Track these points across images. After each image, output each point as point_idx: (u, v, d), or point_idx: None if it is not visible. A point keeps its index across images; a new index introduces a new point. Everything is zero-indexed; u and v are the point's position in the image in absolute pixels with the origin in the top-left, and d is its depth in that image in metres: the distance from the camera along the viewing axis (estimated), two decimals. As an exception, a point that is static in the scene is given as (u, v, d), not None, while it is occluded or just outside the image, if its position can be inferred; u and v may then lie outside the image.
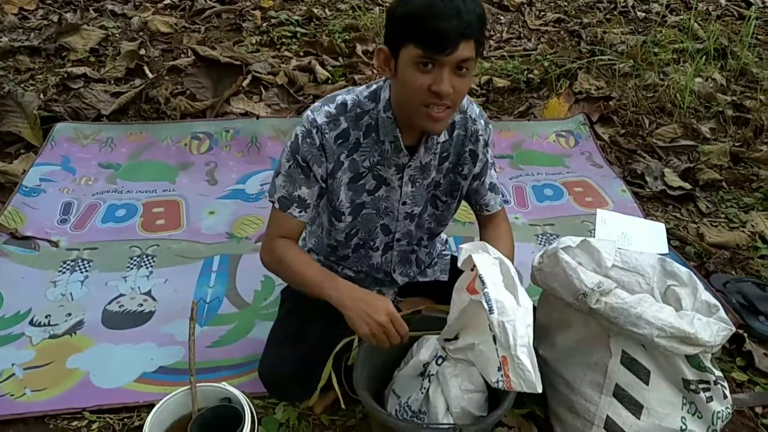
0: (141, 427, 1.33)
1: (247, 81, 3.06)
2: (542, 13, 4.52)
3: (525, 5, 4.60)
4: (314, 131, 1.28)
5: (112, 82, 3.10)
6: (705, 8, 4.64)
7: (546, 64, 3.41)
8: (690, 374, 1.32)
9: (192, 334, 1.36)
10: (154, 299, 1.86)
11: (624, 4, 4.68)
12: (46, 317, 1.77)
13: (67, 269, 1.95)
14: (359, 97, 1.32)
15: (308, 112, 1.31)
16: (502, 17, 4.41)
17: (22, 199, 2.16)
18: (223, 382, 1.37)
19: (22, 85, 2.97)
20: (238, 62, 2.99)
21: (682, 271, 1.46)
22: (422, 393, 1.30)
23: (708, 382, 1.34)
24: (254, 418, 1.29)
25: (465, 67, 1.14)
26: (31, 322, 1.75)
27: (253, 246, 2.08)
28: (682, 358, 1.31)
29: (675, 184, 2.45)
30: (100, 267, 1.97)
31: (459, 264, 1.22)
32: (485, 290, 1.09)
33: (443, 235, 1.77)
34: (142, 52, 3.39)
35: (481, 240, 1.51)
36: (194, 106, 2.77)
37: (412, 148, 1.35)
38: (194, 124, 2.63)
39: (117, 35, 3.66)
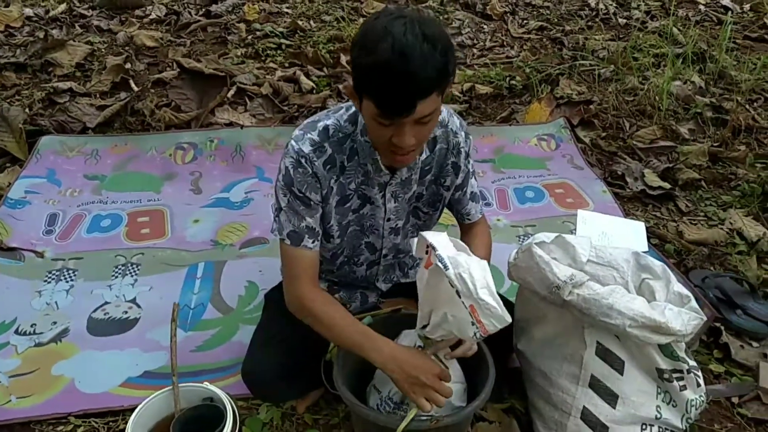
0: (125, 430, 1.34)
1: (232, 92, 3.10)
2: (525, 21, 4.60)
3: (508, 14, 4.67)
4: (303, 161, 1.27)
5: (98, 96, 3.12)
6: (684, 14, 4.73)
7: (528, 70, 3.47)
8: (663, 363, 1.35)
9: (174, 335, 1.38)
10: (139, 306, 1.87)
11: (605, 11, 4.76)
12: (31, 326, 1.78)
13: (53, 279, 1.96)
14: (339, 121, 1.31)
15: (292, 142, 1.29)
16: (485, 26, 4.48)
17: (7, 211, 2.17)
18: (205, 382, 1.39)
19: (7, 101, 3.00)
20: (222, 74, 3.02)
21: (656, 264, 1.50)
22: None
23: (681, 371, 1.37)
24: (236, 416, 1.31)
25: (426, 120, 1.12)
26: (16, 331, 1.76)
27: (237, 252, 2.11)
28: (654, 347, 1.33)
29: (655, 184, 2.49)
30: (85, 276, 1.98)
31: (414, 253, 1.24)
32: (436, 253, 1.13)
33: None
34: (128, 66, 3.42)
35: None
36: (179, 117, 2.80)
37: (393, 167, 1.35)
38: (179, 134, 2.65)
39: (103, 50, 3.69)
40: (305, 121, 1.34)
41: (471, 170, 1.49)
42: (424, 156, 1.38)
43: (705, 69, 3.65)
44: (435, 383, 1.20)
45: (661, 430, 1.39)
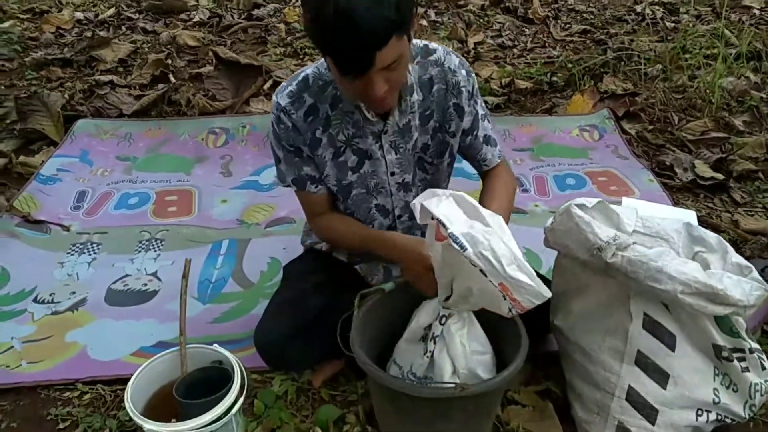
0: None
1: (268, 84, 3.08)
2: (568, 25, 4.48)
3: (550, 18, 4.56)
4: (282, 115, 1.27)
5: (137, 87, 3.16)
6: (738, 18, 4.52)
7: (570, 65, 3.34)
8: (721, 339, 1.20)
9: (183, 292, 1.31)
10: (159, 279, 1.82)
11: (652, 16, 4.60)
12: (50, 295, 1.75)
13: (76, 251, 1.93)
14: (320, 68, 1.26)
15: (274, 95, 1.29)
16: (526, 29, 4.38)
17: (37, 186, 2.18)
18: (215, 344, 1.30)
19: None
20: (258, 64, 3.01)
21: (710, 236, 1.35)
22: (427, 357, 1.20)
23: (743, 350, 1.22)
24: (245, 380, 1.22)
25: (394, 65, 1.05)
26: (35, 300, 1.73)
27: (263, 231, 2.04)
28: (710, 320, 1.19)
29: (707, 174, 2.32)
30: (109, 249, 1.95)
31: (418, 220, 1.10)
32: (449, 231, 1.01)
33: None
34: (169, 61, 3.46)
35: (481, 197, 1.42)
36: (214, 105, 2.79)
37: (384, 114, 1.27)
38: (211, 120, 2.64)
39: (146, 48, 3.76)
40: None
41: (481, 112, 1.39)
42: (419, 98, 1.29)
43: (761, 67, 3.45)
44: (426, 275, 1.18)
45: (719, 417, 1.23)
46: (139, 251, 1.94)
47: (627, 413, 1.22)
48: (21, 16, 4.30)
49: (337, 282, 1.48)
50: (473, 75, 1.36)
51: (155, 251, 1.94)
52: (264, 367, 1.45)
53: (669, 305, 1.20)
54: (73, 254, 1.92)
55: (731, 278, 1.17)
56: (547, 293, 1.01)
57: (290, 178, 1.37)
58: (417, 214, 1.09)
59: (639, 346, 1.22)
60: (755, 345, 1.24)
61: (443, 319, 1.21)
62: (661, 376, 1.21)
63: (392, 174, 1.37)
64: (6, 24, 4.04)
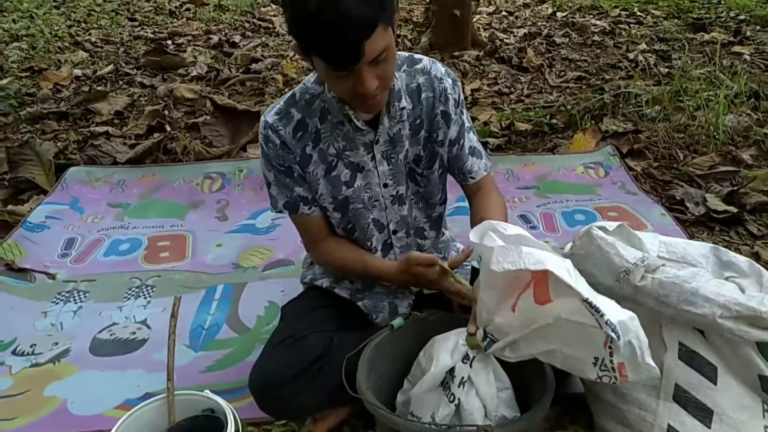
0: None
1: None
2: (563, 72, 4.52)
3: (545, 66, 4.61)
4: (270, 132, 1.24)
5: (132, 137, 3.11)
6: (730, 62, 4.58)
7: (569, 107, 3.33)
8: (767, 369, 1.08)
9: (172, 332, 1.19)
10: (148, 327, 1.70)
11: (646, 62, 4.65)
12: (30, 347, 1.63)
13: (61, 300, 1.82)
14: (306, 84, 1.26)
15: (262, 116, 1.27)
16: (522, 77, 4.42)
17: (24, 234, 2.08)
18: (206, 390, 1.18)
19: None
20: (255, 110, 2.98)
21: (741, 260, 1.25)
22: (454, 405, 1.08)
23: (792, 382, 1.10)
24: (239, 428, 1.09)
25: (382, 57, 1.03)
26: (13, 352, 1.61)
27: (260, 274, 1.93)
28: (753, 347, 1.08)
29: (719, 208, 2.24)
30: (96, 297, 1.83)
31: (494, 266, 0.97)
32: (604, 318, 0.91)
33: (458, 244, 1.60)
34: (165, 113, 3.44)
35: (471, 215, 1.35)
36: (210, 151, 2.73)
37: (374, 121, 1.24)
38: (208, 165, 2.58)
39: (143, 101, 3.75)
40: None
41: (467, 123, 1.35)
42: (408, 107, 1.26)
43: (760, 106, 3.45)
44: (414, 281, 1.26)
45: (771, 458, 1.10)
46: (129, 298, 1.83)
47: (669, 457, 1.09)
48: (20, 74, 4.33)
49: (339, 320, 1.37)
50: (459, 84, 1.34)
51: (145, 298, 1.83)
52: (261, 417, 1.32)
53: (705, 332, 1.09)
54: (58, 303, 1.81)
55: (773, 300, 1.07)
56: (659, 374, 0.97)
57: (282, 203, 1.32)
58: (493, 259, 0.98)
59: (677, 379, 1.10)
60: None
61: (472, 362, 1.09)
62: (703, 413, 1.08)
63: (385, 186, 1.31)
64: (4, 81, 4.05)
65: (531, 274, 0.97)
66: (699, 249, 1.29)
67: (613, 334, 0.90)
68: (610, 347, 0.93)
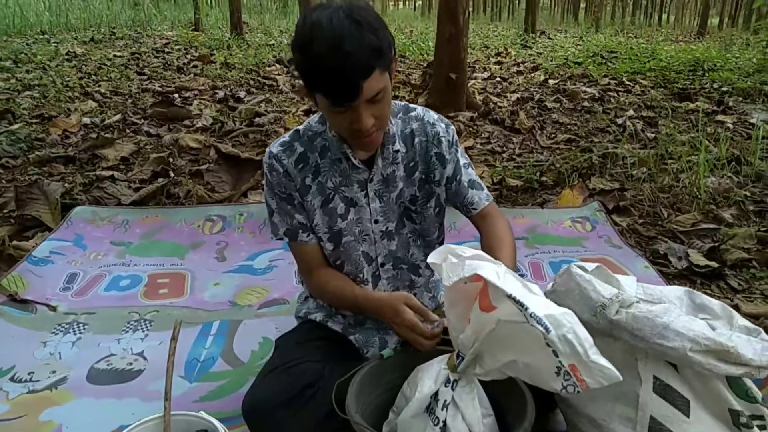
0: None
1: (265, 180, 3.16)
2: (553, 134, 4.71)
3: (536, 129, 4.81)
4: (273, 162, 1.34)
5: (137, 182, 3.22)
6: (713, 130, 4.78)
7: (558, 165, 3.47)
8: (737, 404, 1.14)
9: (172, 354, 1.25)
10: (145, 359, 1.74)
11: (633, 128, 4.86)
12: (28, 374, 1.66)
13: (61, 331, 1.87)
14: (310, 123, 1.38)
15: (268, 148, 1.37)
16: (514, 138, 4.60)
17: (28, 267, 2.14)
18: (201, 411, 1.22)
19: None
20: (258, 158, 3.10)
21: (714, 303, 1.33)
22: (439, 429, 1.13)
23: (763, 418, 1.15)
24: (232, 448, 1.13)
25: (379, 97, 1.14)
26: (11, 378, 1.64)
27: (255, 312, 1.99)
28: (723, 382, 1.14)
29: (701, 262, 2.33)
30: (95, 329, 1.88)
31: (444, 280, 1.07)
32: (529, 312, 0.97)
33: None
34: (170, 160, 3.57)
35: (481, 240, 1.42)
36: (212, 196, 2.83)
37: (369, 162, 1.35)
38: (209, 208, 2.67)
39: (148, 149, 3.89)
40: None
41: (463, 161, 1.46)
42: (402, 150, 1.37)
43: (741, 171, 3.60)
44: (407, 334, 1.23)
45: (744, 492, 1.14)
46: (127, 331, 1.88)
47: (645, 487, 1.13)
48: (30, 120, 4.48)
49: (331, 352, 1.43)
50: (452, 127, 1.45)
51: (143, 331, 1.88)
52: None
53: (678, 366, 1.15)
54: (57, 333, 1.85)
55: (741, 337, 1.14)
56: (620, 376, 0.98)
57: (283, 230, 1.39)
58: (443, 274, 1.07)
59: (651, 411, 1.16)
60: (774, 413, 1.18)
61: (454, 384, 1.15)
62: (677, 445, 1.13)
63: (376, 222, 1.40)
64: (15, 126, 4.20)
65: (480, 286, 1.04)
66: (674, 292, 1.37)
67: (540, 327, 0.94)
68: (549, 346, 0.96)
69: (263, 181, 1.42)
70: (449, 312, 1.14)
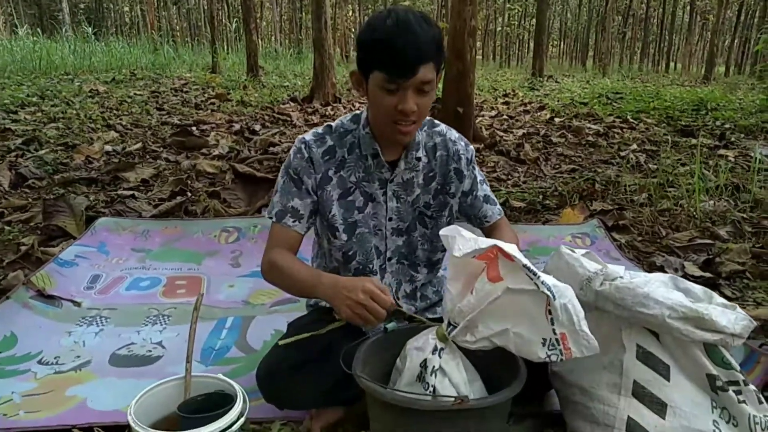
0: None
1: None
2: (557, 165, 4.85)
3: (541, 160, 4.95)
4: (303, 147, 1.45)
5: (156, 200, 3.38)
6: (714, 163, 4.90)
7: (560, 189, 3.59)
8: (714, 370, 1.23)
9: (194, 322, 1.36)
10: (163, 347, 1.85)
11: (636, 160, 4.99)
12: (54, 358, 1.77)
13: (85, 323, 1.98)
14: (343, 121, 1.50)
15: (299, 136, 1.49)
16: (519, 168, 4.74)
17: (55, 267, 2.28)
18: (219, 374, 1.33)
19: (75, 200, 3.27)
20: (273, 177, 3.26)
21: (696, 287, 1.42)
22: (429, 392, 1.23)
23: (737, 383, 1.24)
24: (246, 404, 1.23)
25: (427, 88, 1.29)
26: (39, 361, 1.76)
27: (267, 310, 2.10)
28: (700, 349, 1.23)
29: (696, 273, 2.41)
30: (116, 322, 2.00)
31: (454, 252, 1.19)
32: (540, 279, 1.10)
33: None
34: (188, 182, 3.73)
35: None
36: (228, 211, 2.98)
37: (392, 164, 1.47)
38: (225, 220, 2.81)
39: (167, 173, 4.06)
40: None
41: (480, 177, 1.58)
42: (424, 160, 1.48)
43: (740, 198, 3.70)
44: (365, 300, 1.22)
45: (722, 452, 1.21)
46: (146, 324, 1.99)
47: (629, 445, 1.20)
48: (55, 148, 4.70)
49: (340, 330, 1.52)
50: (471, 147, 1.57)
51: (162, 325, 1.99)
52: (263, 417, 1.45)
53: (658, 334, 1.25)
54: (81, 325, 1.97)
55: (716, 308, 1.24)
56: (598, 348, 1.11)
57: (275, 210, 1.45)
58: (454, 247, 1.18)
59: (635, 376, 1.24)
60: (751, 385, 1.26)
61: (440, 353, 1.25)
62: (659, 406, 1.22)
63: (390, 219, 1.50)
64: (41, 152, 4.41)
65: (486, 261, 1.15)
66: (659, 277, 1.46)
67: (548, 293, 1.07)
68: (550, 313, 1.08)
69: (283, 164, 1.50)
70: (449, 283, 1.25)
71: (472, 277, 1.23)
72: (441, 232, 1.23)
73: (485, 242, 1.17)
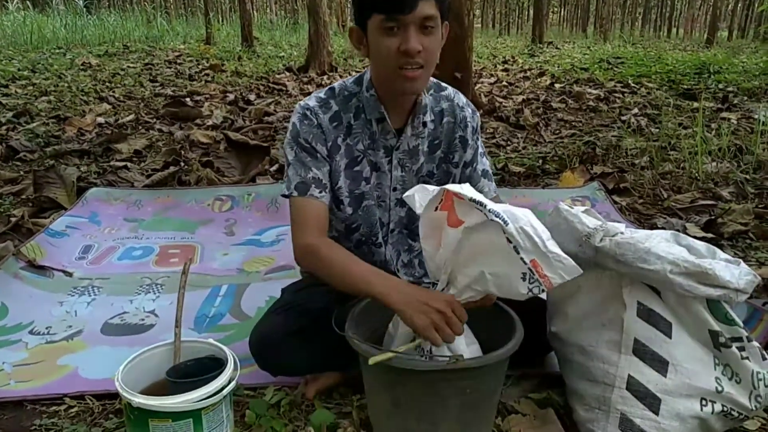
0: (122, 411, 1.23)
1: (274, 167, 3.24)
2: (557, 130, 4.78)
3: (541, 125, 4.88)
4: (309, 113, 1.34)
5: (149, 171, 3.33)
6: (717, 125, 4.82)
7: (560, 152, 3.53)
8: (717, 326, 1.19)
9: (182, 286, 1.32)
10: (156, 316, 1.82)
11: (637, 124, 4.91)
12: (46, 328, 1.75)
13: (77, 293, 1.96)
14: (345, 83, 1.40)
15: (299, 103, 1.38)
16: (518, 133, 4.67)
17: (45, 238, 2.24)
18: (210, 339, 1.30)
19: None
20: (266, 144, 3.20)
21: (699, 244, 1.39)
22: (426, 357, 1.19)
23: (740, 339, 1.20)
24: (237, 369, 1.20)
25: (430, 25, 1.20)
26: (30, 331, 1.73)
27: (262, 277, 2.07)
28: (703, 304, 1.19)
29: (698, 235, 2.37)
30: (109, 292, 1.97)
31: (417, 210, 1.14)
32: (488, 208, 1.04)
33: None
34: (182, 152, 3.67)
35: None
36: (222, 180, 2.92)
37: (399, 130, 1.39)
38: (219, 188, 2.76)
39: (160, 144, 4.00)
40: None
41: (481, 149, 1.50)
42: (431, 126, 1.41)
43: (743, 159, 3.64)
44: (446, 311, 1.09)
45: (726, 409, 1.18)
46: (139, 293, 1.96)
47: (628, 403, 1.18)
48: (47, 120, 4.62)
49: (334, 297, 1.49)
50: (477, 115, 1.50)
51: (155, 293, 1.96)
52: (257, 383, 1.43)
53: (660, 290, 1.21)
54: (73, 295, 1.94)
55: (720, 263, 1.20)
56: (580, 269, 1.03)
57: (294, 184, 1.32)
58: (416, 204, 1.14)
59: (635, 334, 1.21)
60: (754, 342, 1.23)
61: None
62: (660, 364, 1.18)
63: (394, 189, 1.43)
64: (33, 124, 4.34)
65: (447, 210, 1.11)
66: (661, 233, 1.42)
67: (498, 220, 1.00)
68: (510, 242, 1.01)
69: (287, 137, 1.37)
70: (423, 242, 1.20)
71: (439, 230, 1.18)
72: (404, 195, 1.17)
73: (436, 189, 1.11)
